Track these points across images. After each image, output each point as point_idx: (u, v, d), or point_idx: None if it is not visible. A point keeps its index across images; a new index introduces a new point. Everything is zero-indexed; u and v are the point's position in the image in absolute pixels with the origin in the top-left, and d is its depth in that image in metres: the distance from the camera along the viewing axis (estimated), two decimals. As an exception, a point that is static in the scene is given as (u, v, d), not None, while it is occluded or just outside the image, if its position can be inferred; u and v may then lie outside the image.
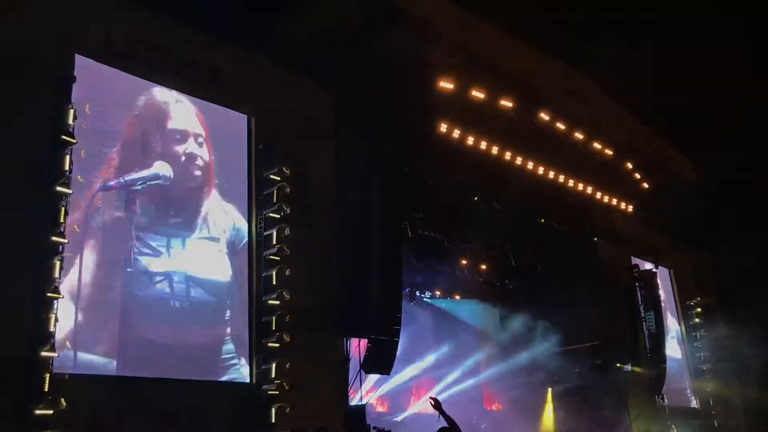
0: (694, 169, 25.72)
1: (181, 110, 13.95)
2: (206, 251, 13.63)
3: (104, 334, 11.76)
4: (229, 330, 13.60)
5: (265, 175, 14.67)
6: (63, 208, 10.93)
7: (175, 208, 13.42)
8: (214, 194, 14.11)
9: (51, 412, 10.04)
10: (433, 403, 7.27)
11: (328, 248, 15.59)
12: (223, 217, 14.11)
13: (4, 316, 10.12)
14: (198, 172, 13.91)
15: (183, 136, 13.84)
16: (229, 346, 13.50)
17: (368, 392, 16.88)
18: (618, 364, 23.37)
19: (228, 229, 14.13)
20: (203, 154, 14.07)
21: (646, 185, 24.09)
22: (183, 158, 13.72)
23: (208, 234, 13.74)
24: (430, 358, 21.65)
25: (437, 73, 17.07)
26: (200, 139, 14.05)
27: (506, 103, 18.35)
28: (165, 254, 12.90)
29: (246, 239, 14.36)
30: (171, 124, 13.71)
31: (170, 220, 13.27)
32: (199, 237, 13.59)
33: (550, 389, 23.79)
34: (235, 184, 14.58)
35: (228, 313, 13.69)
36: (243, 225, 14.38)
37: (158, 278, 12.68)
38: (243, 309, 13.93)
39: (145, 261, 12.58)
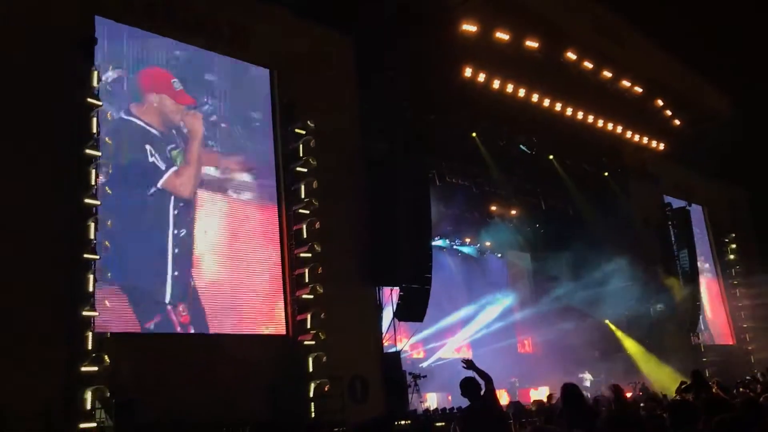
0: (729, 103, 24.99)
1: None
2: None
3: (143, 292, 12.03)
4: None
5: (290, 129, 14.65)
6: (94, 170, 11.08)
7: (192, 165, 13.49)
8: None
9: (96, 368, 10.37)
10: (465, 365, 7.26)
11: (357, 199, 15.60)
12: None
13: (45, 278, 10.40)
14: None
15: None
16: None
17: (403, 339, 17.08)
18: (656, 305, 23.29)
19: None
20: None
21: (677, 122, 23.54)
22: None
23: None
24: (461, 305, 21.81)
25: (459, 16, 16.67)
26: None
27: (532, 44, 17.88)
28: (193, 210, 13.09)
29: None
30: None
31: (201, 175, 13.41)
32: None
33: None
34: (257, 140, 14.61)
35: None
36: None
37: (184, 233, 12.91)
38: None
39: (176, 219, 12.80)
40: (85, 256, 10.69)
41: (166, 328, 12.19)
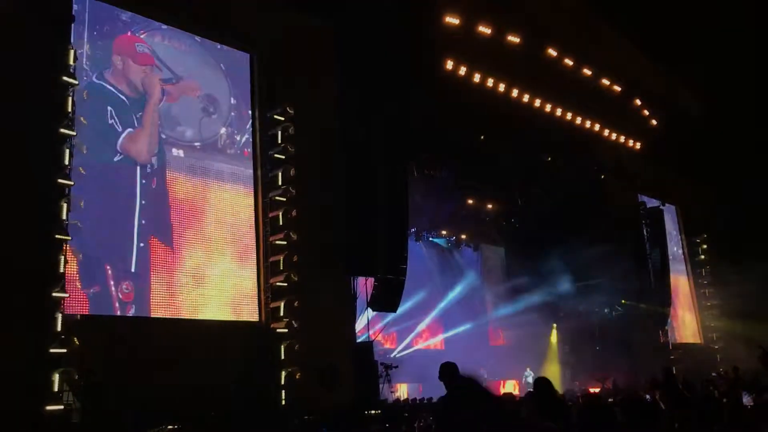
0: (705, 106, 25.29)
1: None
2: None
3: (114, 274, 11.89)
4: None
5: (269, 116, 14.55)
6: (68, 150, 10.91)
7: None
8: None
9: (65, 350, 10.24)
10: None
11: (335, 188, 15.53)
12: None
13: (14, 258, 10.19)
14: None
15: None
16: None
17: (375, 329, 17.14)
18: (623, 301, 23.58)
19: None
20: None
21: (654, 122, 23.82)
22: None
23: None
24: (436, 296, 21.92)
25: (443, 8, 16.67)
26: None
27: (513, 39, 17.96)
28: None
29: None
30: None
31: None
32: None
33: (555, 325, 24.12)
34: (234, 125, 14.49)
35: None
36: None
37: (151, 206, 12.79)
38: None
39: (148, 200, 12.66)
40: (57, 236, 10.53)
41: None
